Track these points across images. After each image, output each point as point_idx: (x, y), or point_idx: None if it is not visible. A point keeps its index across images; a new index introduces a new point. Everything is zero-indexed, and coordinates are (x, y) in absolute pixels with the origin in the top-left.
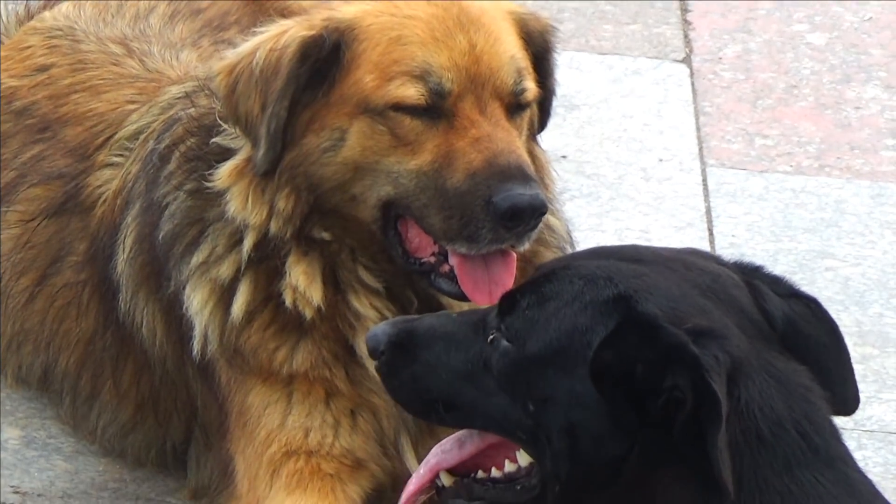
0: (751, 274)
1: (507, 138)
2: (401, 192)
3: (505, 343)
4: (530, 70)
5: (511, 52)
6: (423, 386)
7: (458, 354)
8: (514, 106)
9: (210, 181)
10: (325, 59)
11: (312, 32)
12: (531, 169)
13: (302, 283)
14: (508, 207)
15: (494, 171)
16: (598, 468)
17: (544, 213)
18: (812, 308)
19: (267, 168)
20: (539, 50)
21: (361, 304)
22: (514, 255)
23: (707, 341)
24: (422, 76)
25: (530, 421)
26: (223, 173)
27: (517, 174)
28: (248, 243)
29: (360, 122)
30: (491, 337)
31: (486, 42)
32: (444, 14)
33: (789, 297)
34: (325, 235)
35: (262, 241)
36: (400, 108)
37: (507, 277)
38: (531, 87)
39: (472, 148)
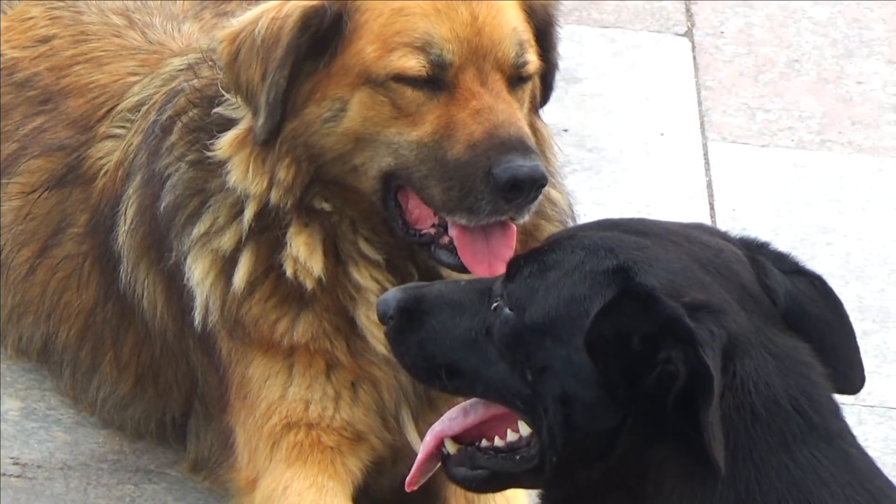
0: (756, 250)
1: (508, 110)
2: (401, 163)
3: (507, 311)
4: (532, 43)
5: (513, 24)
6: (427, 352)
7: (463, 321)
8: (515, 78)
9: (211, 151)
10: (327, 29)
11: (314, 2)
12: (531, 141)
13: (303, 254)
14: (508, 179)
15: (495, 142)
16: (591, 439)
17: (544, 185)
18: (817, 285)
19: (266, 137)
20: (541, 23)
21: (362, 276)
22: (514, 227)
23: (703, 315)
24: (423, 47)
25: (528, 390)
26: (224, 143)
27: (517, 146)
28: (248, 213)
29: (361, 93)
30: (494, 304)
31: (489, 13)
32: None
33: (794, 273)
34: (326, 206)
35: (263, 212)
36: (401, 79)
37: (506, 249)
38: (533, 60)
39: (473, 119)
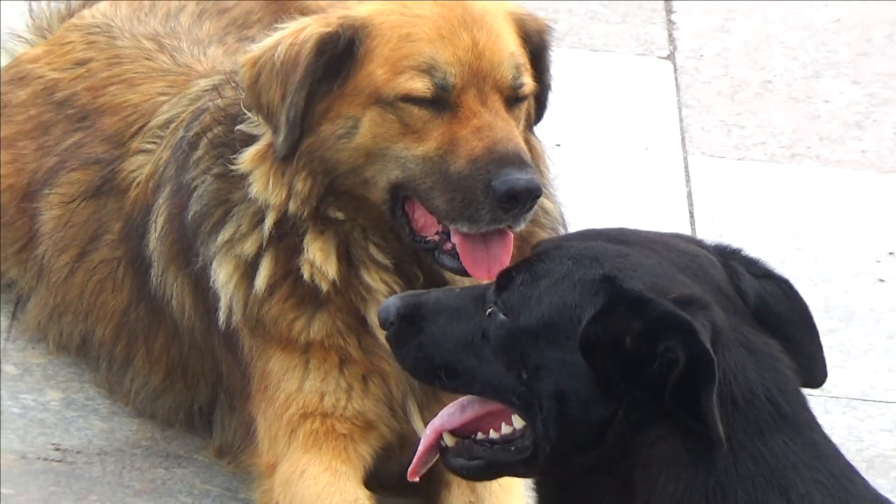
0: (729, 256)
1: (506, 127)
2: (408, 175)
3: (501, 316)
4: (528, 66)
5: (511, 49)
6: (427, 354)
7: (460, 326)
8: (512, 99)
9: (235, 165)
10: (341, 53)
11: (329, 29)
12: (528, 156)
13: (318, 258)
14: (506, 190)
15: (494, 157)
16: (584, 430)
17: (539, 196)
18: (784, 288)
19: (286, 153)
20: (536, 48)
21: (372, 279)
22: (512, 234)
23: (693, 309)
24: (429, 70)
25: (523, 388)
26: (247, 157)
27: (515, 160)
28: (269, 222)
29: (371, 112)
30: (489, 310)
31: (488, 40)
32: (450, 13)
33: (763, 277)
34: (339, 215)
35: (282, 220)
36: (408, 99)
37: (504, 255)
38: (528, 82)
39: (474, 136)
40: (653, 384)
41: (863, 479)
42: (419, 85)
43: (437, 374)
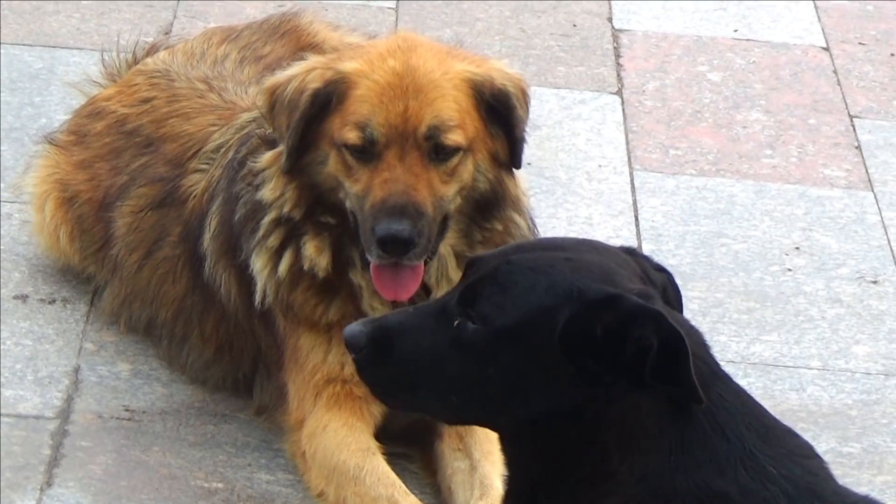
0: (631, 254)
1: (410, 182)
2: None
3: (471, 325)
4: (464, 125)
5: (436, 114)
6: (401, 372)
7: (428, 341)
8: (433, 153)
9: (256, 163)
10: (325, 101)
11: (319, 85)
12: (415, 207)
13: (313, 254)
14: (381, 237)
15: (384, 207)
16: (561, 412)
17: (411, 244)
18: (670, 279)
19: (288, 169)
20: (501, 108)
21: (356, 277)
22: (420, 266)
23: (650, 301)
24: (363, 127)
25: (494, 385)
26: (265, 157)
27: (397, 212)
28: (267, 218)
29: (333, 151)
30: (456, 322)
31: (419, 106)
32: (399, 82)
33: (657, 270)
34: (332, 220)
35: (279, 219)
36: (346, 147)
37: (412, 283)
38: (452, 138)
39: (380, 187)
40: (628, 366)
41: (773, 416)
42: (352, 136)
43: (408, 391)
